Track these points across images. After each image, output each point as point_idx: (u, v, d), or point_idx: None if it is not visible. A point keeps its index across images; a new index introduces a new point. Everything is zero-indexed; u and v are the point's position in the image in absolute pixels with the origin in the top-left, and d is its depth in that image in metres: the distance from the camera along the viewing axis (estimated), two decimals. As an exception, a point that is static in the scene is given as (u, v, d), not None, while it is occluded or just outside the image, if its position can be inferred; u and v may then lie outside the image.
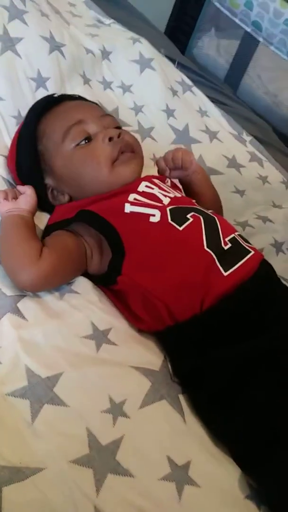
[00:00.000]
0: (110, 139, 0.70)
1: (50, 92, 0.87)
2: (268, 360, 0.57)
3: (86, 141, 0.71)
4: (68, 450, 0.51)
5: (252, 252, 0.66)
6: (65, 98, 0.78)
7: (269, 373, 0.56)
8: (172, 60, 1.19)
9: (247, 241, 0.70)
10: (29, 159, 0.73)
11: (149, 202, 0.67)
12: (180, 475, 0.52)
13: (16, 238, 0.63)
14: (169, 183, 0.78)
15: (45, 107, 0.75)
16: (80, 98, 0.80)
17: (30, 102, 0.84)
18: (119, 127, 0.76)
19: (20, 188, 0.71)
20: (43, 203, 0.74)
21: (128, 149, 0.72)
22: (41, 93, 0.86)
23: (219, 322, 0.60)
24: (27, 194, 0.69)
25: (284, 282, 0.71)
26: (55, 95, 0.78)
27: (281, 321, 0.59)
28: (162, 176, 0.78)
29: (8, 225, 0.65)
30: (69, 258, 0.64)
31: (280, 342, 0.58)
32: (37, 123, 0.73)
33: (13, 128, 0.81)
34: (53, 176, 0.73)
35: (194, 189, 0.81)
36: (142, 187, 0.70)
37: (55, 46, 0.90)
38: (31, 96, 0.84)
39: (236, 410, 0.56)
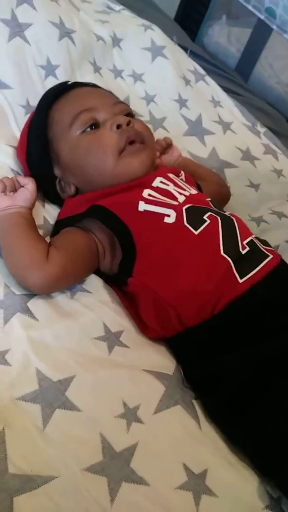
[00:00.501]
0: (118, 126, 0.65)
1: (59, 81, 0.83)
2: (284, 362, 0.55)
3: (93, 127, 0.67)
4: (81, 457, 0.49)
5: (271, 256, 0.62)
6: (77, 85, 0.74)
7: (281, 378, 0.54)
8: (184, 48, 1.15)
9: (265, 243, 0.67)
10: (39, 147, 0.69)
11: (164, 201, 0.64)
12: (197, 484, 0.50)
13: (20, 239, 0.60)
14: (183, 177, 0.75)
15: (57, 94, 0.71)
16: (94, 85, 0.76)
17: (39, 90, 0.81)
18: (131, 115, 0.72)
19: (21, 179, 0.66)
20: (52, 195, 0.71)
21: (138, 139, 0.67)
22: (51, 82, 0.83)
23: (229, 325, 0.58)
24: (28, 189, 0.64)
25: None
26: (69, 83, 0.75)
27: None
28: (176, 169, 0.75)
29: (8, 226, 0.61)
30: (80, 258, 0.61)
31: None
32: (48, 110, 0.70)
33: (22, 117, 0.78)
34: (60, 165, 0.70)
35: (188, 171, 0.79)
36: (157, 182, 0.67)
37: (65, 33, 0.86)
38: (40, 85, 0.81)
39: (257, 414, 0.54)
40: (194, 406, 0.58)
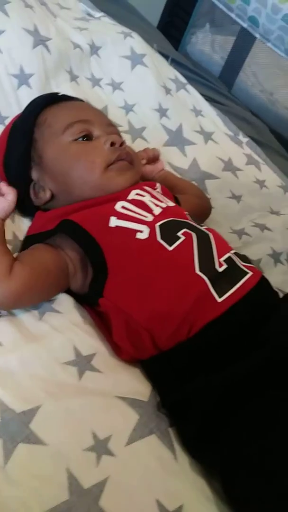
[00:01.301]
0: (112, 144, 0.66)
1: (33, 90, 0.81)
2: (251, 386, 0.52)
3: (86, 139, 0.67)
4: (45, 497, 0.45)
5: (250, 274, 0.60)
6: (70, 98, 0.75)
7: (252, 402, 0.51)
8: (165, 56, 1.13)
9: (244, 259, 0.64)
10: (22, 146, 0.68)
11: (137, 215, 0.62)
12: (171, 523, 0.47)
13: None
14: (159, 189, 0.72)
15: (49, 100, 0.71)
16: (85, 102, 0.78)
17: (12, 101, 0.78)
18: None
19: (4, 188, 0.64)
20: (22, 201, 0.69)
21: (128, 159, 0.68)
22: (24, 91, 0.80)
23: (205, 348, 0.55)
24: (8, 199, 0.63)
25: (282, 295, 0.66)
26: (59, 94, 0.75)
27: (265, 346, 0.54)
28: (152, 182, 0.73)
29: None
30: (46, 276, 0.59)
31: (260, 368, 0.53)
32: (38, 112, 0.69)
33: (-7, 128, 0.75)
34: (40, 167, 0.68)
35: (168, 184, 0.79)
36: (132, 195, 0.65)
37: (40, 40, 0.83)
38: (12, 95, 0.78)
39: (222, 443, 0.51)
40: (170, 435, 0.54)
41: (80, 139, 0.67)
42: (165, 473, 0.50)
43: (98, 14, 1.10)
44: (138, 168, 0.71)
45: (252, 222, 0.91)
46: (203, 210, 0.82)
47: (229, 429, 0.51)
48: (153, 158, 0.84)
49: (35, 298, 0.59)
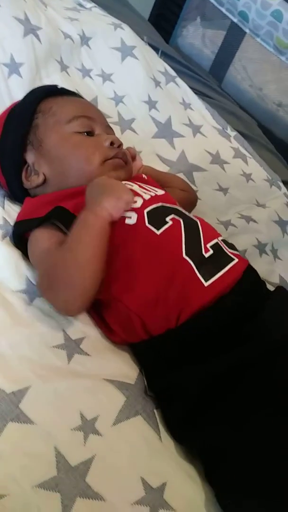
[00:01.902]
0: (112, 143, 0.70)
1: (24, 79, 0.81)
2: (235, 379, 0.54)
3: (87, 134, 0.71)
4: (34, 473, 0.47)
5: (236, 260, 0.61)
6: (74, 93, 0.79)
7: (234, 394, 0.53)
8: (156, 49, 1.14)
9: (231, 247, 0.66)
10: (21, 128, 0.70)
11: None
12: (155, 499, 0.49)
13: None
14: (146, 178, 0.74)
15: (51, 91, 0.73)
16: (80, 96, 0.80)
17: (2, 89, 0.79)
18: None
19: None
20: (14, 183, 0.70)
21: (123, 158, 0.71)
22: (14, 80, 0.80)
23: (195, 337, 0.56)
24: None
25: (268, 285, 0.68)
26: (58, 87, 0.76)
27: (253, 339, 0.55)
28: (139, 174, 0.75)
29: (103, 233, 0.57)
30: None
31: (247, 358, 0.54)
32: (41, 100, 0.71)
33: (-17, 117, 0.75)
34: (38, 151, 0.69)
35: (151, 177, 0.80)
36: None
37: (30, 29, 0.84)
38: (3, 84, 0.79)
39: (204, 429, 0.54)
40: (156, 416, 0.56)
41: (83, 133, 0.70)
42: (150, 453, 0.52)
43: (89, 4, 1.10)
44: (131, 169, 0.74)
45: (239, 214, 0.93)
46: (189, 202, 0.83)
47: (210, 417, 0.53)
48: (132, 157, 0.84)
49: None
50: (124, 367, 0.59)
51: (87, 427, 0.51)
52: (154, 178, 0.80)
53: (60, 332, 0.58)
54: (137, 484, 0.49)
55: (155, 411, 0.56)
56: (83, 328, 0.60)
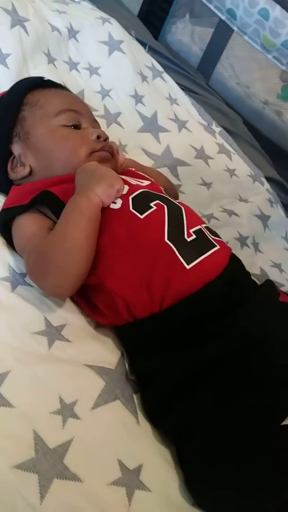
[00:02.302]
0: (99, 137, 0.71)
1: (10, 70, 0.82)
2: (213, 368, 0.55)
3: (74, 128, 0.71)
4: (11, 454, 0.47)
5: (218, 246, 0.63)
6: (65, 88, 0.79)
7: (213, 379, 0.55)
8: (143, 44, 1.15)
9: (215, 234, 0.67)
10: (8, 120, 0.70)
11: None
12: (131, 480, 0.50)
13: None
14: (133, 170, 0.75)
15: (37, 83, 0.74)
16: (67, 89, 0.81)
17: (-12, 79, 0.79)
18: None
19: None
20: (0, 177, 0.71)
21: (109, 151, 0.72)
22: (1, 71, 0.81)
23: (178, 322, 0.57)
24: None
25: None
26: (44, 78, 0.77)
27: (235, 329, 0.56)
28: (126, 169, 0.76)
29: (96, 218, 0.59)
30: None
31: (228, 349, 0.55)
32: (27, 92, 0.72)
33: None
34: (25, 143, 0.70)
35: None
36: None
37: (18, 21, 0.84)
38: (-11, 73, 0.79)
39: (177, 413, 0.55)
40: (134, 401, 0.58)
41: (70, 126, 0.71)
42: (127, 436, 0.54)
43: (78, -2, 1.11)
44: (116, 161, 0.75)
45: (221, 208, 0.95)
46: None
47: (185, 402, 0.55)
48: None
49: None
50: (105, 353, 0.60)
51: (66, 411, 0.52)
52: (143, 169, 0.82)
53: (42, 319, 0.59)
54: (114, 466, 0.51)
55: (134, 395, 0.58)
56: (65, 315, 0.61)
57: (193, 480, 0.52)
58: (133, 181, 0.68)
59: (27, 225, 0.63)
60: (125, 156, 0.83)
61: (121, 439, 0.53)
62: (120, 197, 0.63)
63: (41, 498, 0.46)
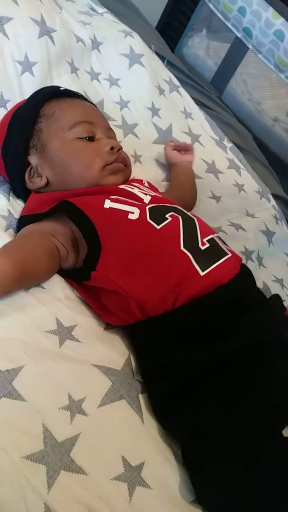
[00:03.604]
0: (112, 148, 0.73)
1: (36, 78, 0.85)
2: (222, 368, 0.58)
3: (88, 139, 0.73)
4: (22, 446, 0.50)
5: (230, 255, 0.66)
6: (81, 96, 0.81)
7: (221, 381, 0.57)
8: (162, 58, 1.18)
9: (225, 244, 0.70)
10: (24, 131, 0.72)
11: (129, 200, 0.68)
12: (132, 476, 0.53)
13: None
14: (147, 185, 0.78)
15: (54, 93, 0.76)
16: (83, 97, 0.83)
17: (14, 85, 0.82)
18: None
19: None
20: (17, 183, 0.73)
21: (123, 162, 0.75)
22: (27, 78, 0.84)
23: (191, 320, 0.60)
24: None
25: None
26: (61, 88, 0.79)
27: (245, 332, 0.59)
28: (140, 180, 0.79)
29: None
30: (34, 262, 0.62)
31: (236, 351, 0.58)
32: (43, 103, 0.74)
33: (-7, 110, 0.79)
34: (41, 155, 0.72)
35: (174, 175, 0.88)
36: (122, 186, 0.71)
37: (46, 31, 0.88)
38: (15, 80, 0.82)
39: (191, 415, 0.57)
40: (139, 401, 0.60)
41: (85, 139, 0.73)
42: (131, 434, 0.57)
43: (101, 10, 1.15)
44: (129, 171, 0.78)
45: (229, 222, 0.98)
46: (187, 204, 0.88)
47: (193, 402, 0.57)
48: (184, 147, 0.97)
49: (23, 284, 0.62)
50: (112, 354, 0.63)
51: (74, 407, 0.55)
52: (178, 176, 0.91)
53: (54, 319, 0.62)
54: (117, 461, 0.53)
55: (139, 396, 0.60)
56: (76, 316, 0.64)
57: (198, 478, 0.55)
58: (146, 194, 0.71)
59: (38, 225, 0.66)
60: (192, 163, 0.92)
61: (125, 436, 0.56)
62: (137, 207, 0.66)
63: (49, 488, 0.48)
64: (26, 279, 0.61)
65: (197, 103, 1.17)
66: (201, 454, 0.55)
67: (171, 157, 0.95)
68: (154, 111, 1.04)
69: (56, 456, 0.51)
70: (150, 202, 0.68)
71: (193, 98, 1.17)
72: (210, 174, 1.04)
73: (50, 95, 0.75)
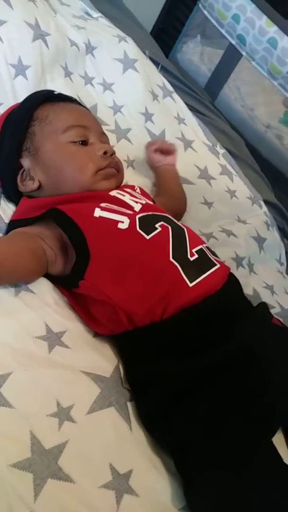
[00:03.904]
0: (105, 153, 0.73)
1: (29, 81, 0.85)
2: (210, 377, 0.58)
3: (82, 143, 0.73)
4: (9, 453, 0.50)
5: (218, 265, 0.66)
6: (75, 100, 0.81)
7: (210, 390, 0.57)
8: (156, 63, 1.19)
9: (214, 254, 0.71)
10: (17, 134, 0.72)
11: (119, 209, 0.67)
12: (120, 484, 0.53)
13: None
14: (139, 191, 0.78)
15: (47, 97, 0.76)
16: (76, 102, 0.83)
17: (7, 88, 0.82)
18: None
19: None
20: (9, 185, 0.73)
21: (115, 167, 0.75)
22: (20, 81, 0.84)
23: (178, 330, 0.60)
24: None
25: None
26: (55, 92, 0.79)
27: (232, 341, 0.59)
28: (132, 185, 0.79)
29: None
30: (18, 261, 0.63)
31: (225, 360, 0.58)
32: (37, 106, 0.74)
33: (-15, 111, 0.79)
34: (34, 158, 0.72)
35: (161, 179, 0.87)
36: (113, 193, 0.71)
37: (40, 35, 0.87)
38: (8, 83, 0.82)
39: (175, 422, 0.57)
40: (128, 408, 0.60)
41: (77, 142, 0.72)
42: (120, 441, 0.56)
43: (96, 14, 1.15)
44: (122, 176, 0.78)
45: (220, 228, 0.98)
46: (175, 214, 0.88)
47: (182, 413, 0.57)
48: (166, 150, 0.94)
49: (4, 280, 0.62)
50: (101, 361, 0.63)
51: (63, 414, 0.54)
52: (165, 180, 0.88)
53: (43, 324, 0.61)
54: (105, 469, 0.53)
55: (128, 403, 0.60)
56: (65, 322, 0.64)
57: (189, 486, 0.54)
58: (137, 201, 0.71)
59: (30, 227, 0.66)
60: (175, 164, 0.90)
61: (114, 444, 0.56)
62: (127, 216, 0.66)
63: (35, 497, 0.48)
64: (4, 274, 0.61)
65: (190, 109, 1.18)
66: (191, 463, 0.55)
67: (155, 160, 0.94)
68: (148, 116, 1.04)
69: (44, 464, 0.50)
70: (140, 211, 0.68)
71: (187, 104, 1.18)
72: (202, 180, 1.05)
73: (44, 98, 0.75)
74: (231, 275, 0.68)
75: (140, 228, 0.65)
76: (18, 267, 0.62)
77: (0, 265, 0.59)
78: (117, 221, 0.65)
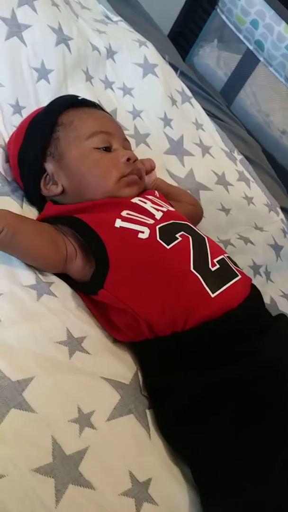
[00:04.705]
0: (129, 159, 0.73)
1: (51, 85, 0.85)
2: (231, 390, 0.57)
3: (105, 149, 0.74)
4: (31, 458, 0.50)
5: (240, 276, 0.66)
6: (98, 106, 0.82)
7: (228, 404, 0.57)
8: (175, 68, 1.19)
9: (235, 264, 0.70)
10: (42, 138, 0.73)
11: (140, 218, 0.67)
12: (140, 492, 0.53)
13: None
14: (158, 195, 0.78)
15: (75, 102, 0.77)
16: (100, 107, 0.83)
17: (30, 92, 0.83)
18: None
19: None
20: (32, 190, 0.74)
21: (138, 174, 0.75)
22: (42, 85, 0.84)
23: (199, 342, 0.60)
24: None
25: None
26: (79, 97, 0.79)
27: (256, 355, 0.59)
28: (152, 190, 0.79)
29: None
30: (35, 237, 0.64)
31: (245, 374, 0.58)
32: (62, 112, 0.74)
33: (9, 116, 0.80)
34: (58, 164, 0.73)
35: (163, 191, 0.85)
36: (135, 199, 0.71)
37: (62, 39, 0.88)
38: (31, 87, 0.83)
39: (197, 434, 0.57)
40: (147, 416, 0.60)
41: (102, 149, 0.73)
42: (139, 449, 0.56)
43: (115, 18, 1.15)
44: (144, 183, 0.78)
45: (238, 235, 0.98)
46: (195, 217, 0.88)
47: (197, 425, 0.57)
48: (150, 169, 0.89)
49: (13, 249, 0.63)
50: (121, 368, 0.63)
51: (83, 420, 0.54)
52: (165, 191, 0.84)
53: (64, 329, 0.61)
54: (125, 477, 0.53)
55: (147, 411, 0.60)
56: (86, 327, 0.64)
57: (208, 497, 0.54)
58: (158, 209, 0.70)
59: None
60: (156, 175, 0.86)
61: (133, 451, 0.56)
62: (147, 226, 0.66)
63: (56, 502, 0.48)
64: (20, 244, 0.62)
65: (208, 114, 1.18)
66: (209, 474, 0.55)
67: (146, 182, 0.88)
68: (166, 121, 1.04)
69: (65, 470, 0.50)
70: (161, 219, 0.68)
71: (204, 109, 1.18)
72: (220, 186, 1.05)
73: (68, 104, 0.76)
74: (254, 287, 0.68)
75: (160, 238, 0.65)
76: (36, 245, 0.63)
77: (19, 236, 0.61)
78: (138, 231, 0.65)
